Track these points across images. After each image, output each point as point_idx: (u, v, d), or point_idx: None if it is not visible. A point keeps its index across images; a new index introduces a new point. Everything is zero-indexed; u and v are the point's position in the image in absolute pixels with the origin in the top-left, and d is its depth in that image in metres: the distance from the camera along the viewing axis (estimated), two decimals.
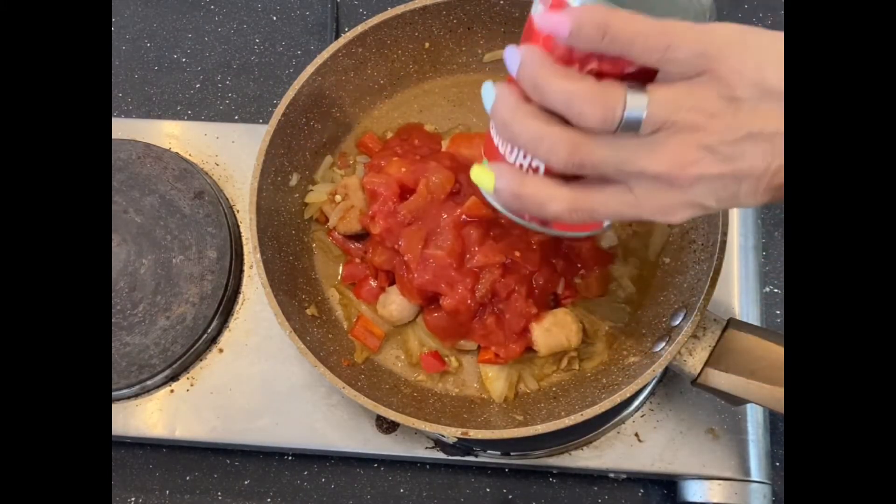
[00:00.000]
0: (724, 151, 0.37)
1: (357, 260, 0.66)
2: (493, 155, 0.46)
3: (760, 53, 0.37)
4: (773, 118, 0.37)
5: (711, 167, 0.38)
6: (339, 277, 0.67)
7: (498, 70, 0.71)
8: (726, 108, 0.37)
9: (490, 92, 0.42)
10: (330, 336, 0.63)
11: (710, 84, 0.37)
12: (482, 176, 0.44)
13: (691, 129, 0.37)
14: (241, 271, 0.71)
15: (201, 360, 0.68)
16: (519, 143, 0.41)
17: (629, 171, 0.39)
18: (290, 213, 0.66)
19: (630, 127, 0.37)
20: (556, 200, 0.41)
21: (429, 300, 0.62)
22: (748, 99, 0.37)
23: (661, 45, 0.36)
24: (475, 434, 0.55)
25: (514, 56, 0.40)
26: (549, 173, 0.42)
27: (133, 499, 0.69)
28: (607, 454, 0.64)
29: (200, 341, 0.67)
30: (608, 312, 0.64)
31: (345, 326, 0.65)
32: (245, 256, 0.71)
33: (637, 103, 0.37)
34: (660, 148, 0.38)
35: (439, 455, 0.65)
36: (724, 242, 0.57)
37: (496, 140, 0.45)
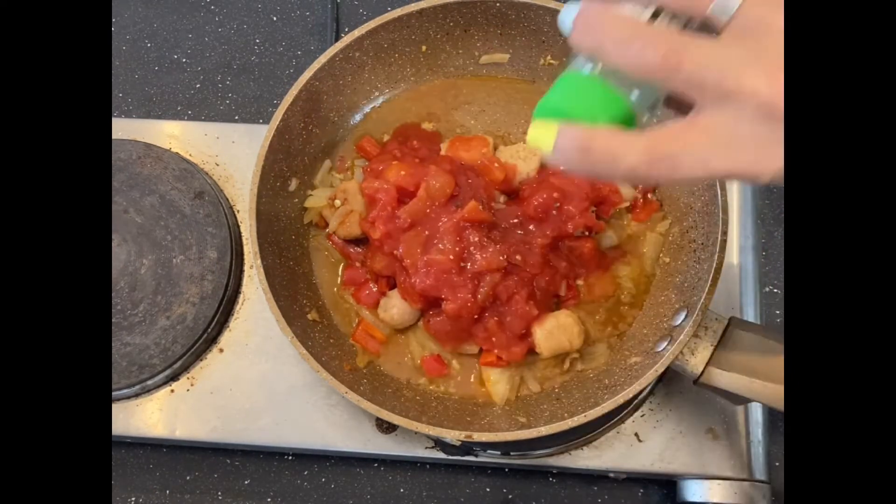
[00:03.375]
0: None
1: (357, 264, 0.66)
2: None
3: None
4: None
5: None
6: (339, 282, 0.67)
7: (495, 72, 0.71)
8: None
9: (572, 9, 0.37)
10: (331, 341, 0.63)
11: None
12: (542, 134, 0.38)
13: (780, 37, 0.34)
14: (242, 271, 0.71)
15: (201, 360, 0.68)
16: (606, 49, 0.36)
17: (730, 84, 0.34)
18: (289, 218, 0.66)
19: (721, 9, 0.34)
20: (633, 151, 0.35)
21: (430, 304, 0.62)
22: None
23: None
24: (479, 437, 0.55)
25: None
26: None
27: (133, 499, 0.69)
28: (607, 454, 0.64)
29: (200, 341, 0.67)
30: (610, 313, 0.64)
31: (346, 331, 0.65)
32: (245, 256, 0.71)
33: None
34: (758, 58, 0.34)
35: (439, 455, 0.65)
36: (724, 242, 0.57)
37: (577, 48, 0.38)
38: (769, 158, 0.35)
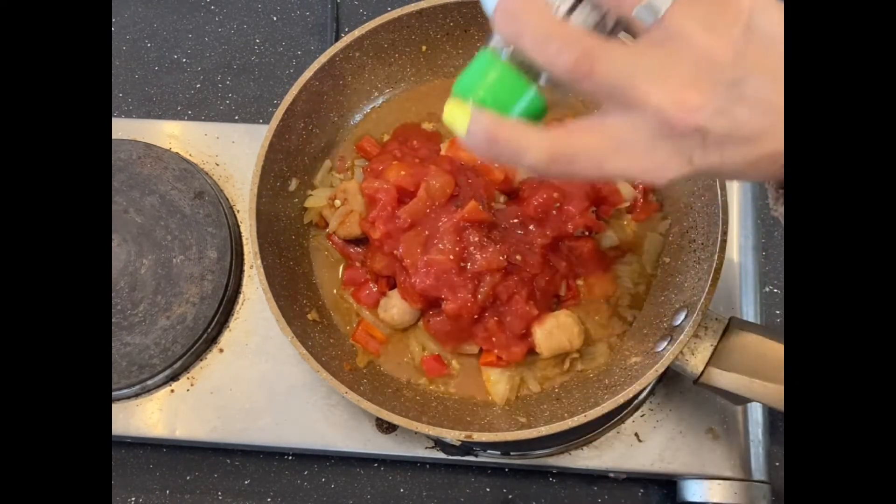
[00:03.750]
0: (730, 92, 0.35)
1: (357, 264, 0.66)
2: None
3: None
4: (771, 62, 0.36)
5: (714, 118, 0.35)
6: (339, 282, 0.67)
7: None
8: (741, 34, 0.35)
9: None
10: (331, 341, 0.63)
11: (727, 6, 0.35)
12: (457, 115, 0.39)
13: (704, 55, 0.35)
14: (242, 271, 0.71)
15: (201, 360, 0.68)
16: (523, 42, 0.36)
17: (635, 95, 0.35)
18: (289, 218, 0.66)
19: (648, 11, 0.35)
20: (535, 148, 0.37)
21: (430, 304, 0.62)
22: (756, 32, 0.35)
23: None
24: (479, 437, 0.55)
25: None
26: None
27: (133, 499, 0.69)
28: (607, 454, 0.64)
29: (200, 341, 0.67)
30: (610, 313, 0.64)
31: (346, 331, 0.65)
32: (245, 256, 0.71)
33: None
34: (668, 73, 0.35)
35: (439, 455, 0.65)
36: (724, 242, 0.57)
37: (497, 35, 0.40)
38: (664, 169, 0.36)
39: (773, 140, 0.37)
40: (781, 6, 0.36)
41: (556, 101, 0.41)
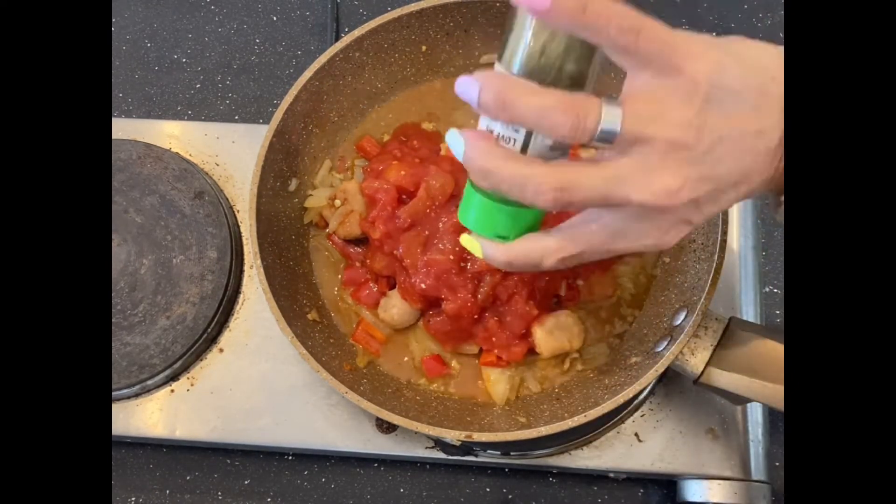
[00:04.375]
0: (704, 162, 0.37)
1: (357, 264, 0.66)
2: None
3: (719, 55, 0.37)
4: (737, 119, 0.37)
5: (697, 187, 0.38)
6: (339, 282, 0.67)
7: None
8: (697, 113, 0.37)
9: (457, 139, 0.40)
10: (331, 341, 0.63)
11: (679, 86, 0.37)
12: (470, 244, 0.45)
13: (669, 146, 0.37)
14: (242, 271, 0.71)
15: (201, 360, 0.68)
16: (502, 190, 0.39)
17: (617, 202, 0.38)
18: (289, 218, 0.66)
19: (605, 139, 0.37)
20: (549, 254, 0.42)
21: (430, 304, 0.62)
22: (714, 101, 0.37)
23: (634, 29, 0.36)
24: (479, 437, 0.55)
25: (468, 83, 0.38)
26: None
27: (133, 499, 0.69)
28: (607, 454, 0.64)
29: (200, 341, 0.67)
30: (610, 313, 0.64)
31: (346, 331, 0.65)
32: (245, 256, 0.71)
33: (612, 114, 0.37)
34: (641, 172, 0.37)
35: (439, 455, 0.65)
36: (724, 242, 0.57)
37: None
38: (667, 238, 0.41)
39: (758, 174, 0.39)
40: (742, 59, 0.37)
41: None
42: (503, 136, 0.40)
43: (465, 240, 0.46)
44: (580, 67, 0.39)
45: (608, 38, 0.36)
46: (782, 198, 0.41)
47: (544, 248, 0.42)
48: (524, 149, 0.40)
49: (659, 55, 0.36)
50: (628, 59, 0.37)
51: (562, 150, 0.41)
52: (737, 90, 0.37)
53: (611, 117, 0.36)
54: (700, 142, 0.37)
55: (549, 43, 0.39)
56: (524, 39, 0.39)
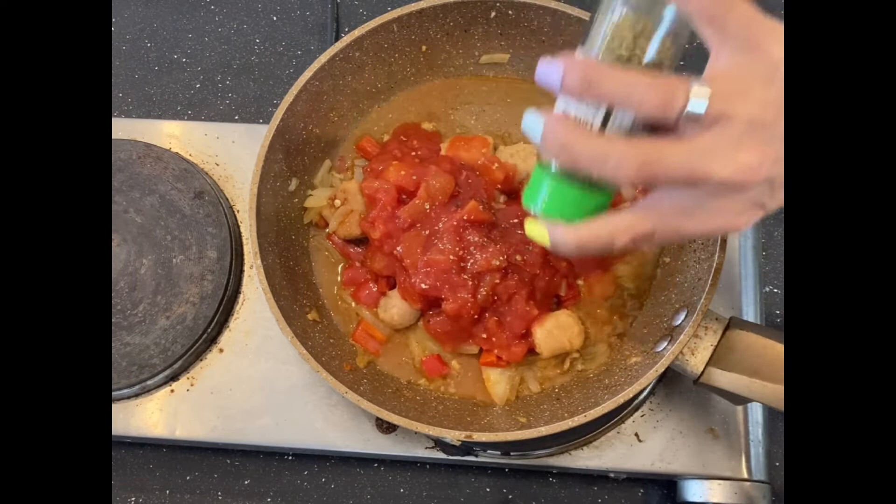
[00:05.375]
0: (782, 143, 0.38)
1: (357, 264, 0.66)
2: None
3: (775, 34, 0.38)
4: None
5: (774, 167, 0.38)
6: (339, 282, 0.67)
7: (495, 72, 0.71)
8: (778, 92, 0.37)
9: (535, 119, 0.41)
10: (331, 341, 0.63)
11: (760, 65, 0.37)
12: (536, 230, 0.45)
13: (750, 123, 0.37)
14: (242, 271, 0.71)
15: (201, 360, 0.68)
16: (581, 165, 0.40)
17: (699, 177, 0.38)
18: (289, 218, 0.66)
19: (691, 117, 0.38)
20: (620, 235, 0.42)
21: (430, 304, 0.62)
22: (776, 81, 0.37)
23: (727, 2, 0.37)
24: (479, 437, 0.55)
25: (550, 65, 0.39)
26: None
27: (133, 499, 0.69)
28: (607, 454, 0.64)
29: (200, 341, 0.67)
30: (610, 313, 0.64)
31: (346, 331, 0.65)
32: (245, 256, 0.71)
33: (700, 93, 0.37)
34: (723, 148, 0.38)
35: (439, 455, 0.65)
36: (724, 242, 0.57)
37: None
38: (739, 220, 0.40)
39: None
40: None
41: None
42: (582, 119, 0.41)
43: (530, 226, 0.46)
44: (661, 53, 0.41)
45: (700, 5, 0.37)
46: None
47: (615, 227, 0.42)
48: (602, 130, 0.41)
49: (744, 31, 0.37)
50: (714, 31, 0.38)
51: (638, 132, 0.42)
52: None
53: (699, 95, 0.37)
54: (779, 121, 0.37)
55: (633, 26, 0.40)
56: (608, 23, 0.41)
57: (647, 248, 0.43)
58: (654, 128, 0.40)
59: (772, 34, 0.37)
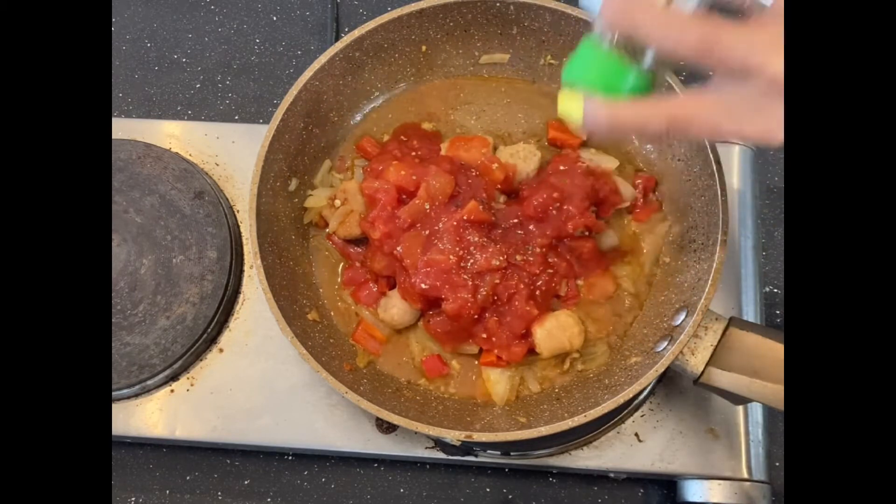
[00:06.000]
0: None
1: (357, 264, 0.66)
2: None
3: None
4: None
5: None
6: (339, 282, 0.67)
7: (495, 72, 0.71)
8: None
9: None
10: (331, 341, 0.63)
11: None
12: (572, 105, 0.45)
13: None
14: (241, 271, 0.71)
15: (201, 360, 0.68)
16: (642, 31, 0.40)
17: (753, 67, 0.38)
18: (289, 218, 0.66)
19: (759, 6, 0.38)
20: (655, 118, 0.41)
21: (430, 304, 0.62)
22: None
23: None
24: (478, 437, 0.55)
25: None
26: None
27: (133, 499, 0.69)
28: (607, 454, 0.64)
29: (200, 341, 0.67)
30: (610, 313, 0.64)
31: (346, 331, 0.65)
32: (245, 256, 0.71)
33: None
34: (780, 46, 0.38)
35: (439, 455, 0.65)
36: (724, 242, 0.57)
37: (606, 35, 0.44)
38: (779, 129, 0.39)
39: None
40: None
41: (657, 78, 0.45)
42: None
43: (564, 101, 0.45)
44: None
45: None
46: None
47: (654, 108, 0.42)
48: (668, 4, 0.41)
49: None
50: None
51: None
52: None
53: None
54: None
55: None
56: None
57: (677, 140, 0.43)
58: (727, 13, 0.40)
59: None
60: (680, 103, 0.42)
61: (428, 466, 0.69)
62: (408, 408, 0.59)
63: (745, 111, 0.40)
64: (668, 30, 0.39)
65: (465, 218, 0.60)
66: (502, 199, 0.64)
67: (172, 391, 0.67)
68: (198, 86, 0.83)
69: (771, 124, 0.39)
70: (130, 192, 0.72)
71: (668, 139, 0.43)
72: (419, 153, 0.66)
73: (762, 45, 0.38)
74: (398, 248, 0.61)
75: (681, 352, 0.54)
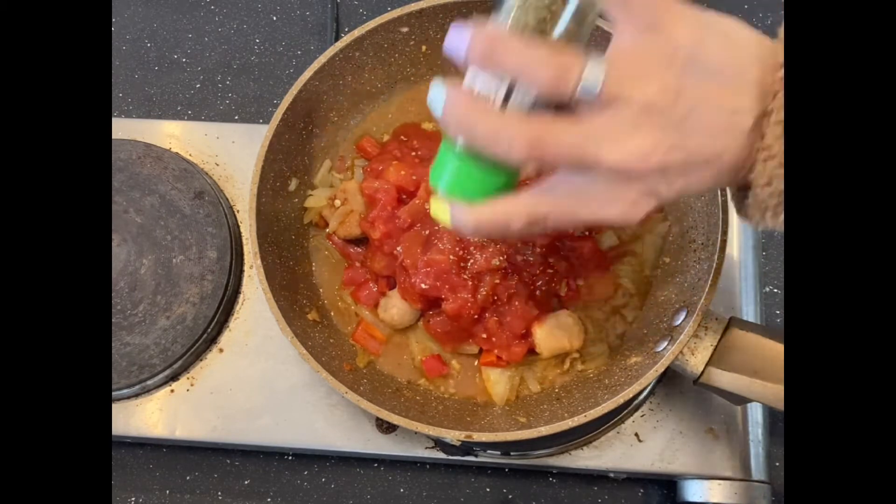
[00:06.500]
0: (677, 130, 0.37)
1: (357, 264, 0.66)
2: None
3: (705, 26, 0.37)
4: (714, 93, 0.37)
5: (668, 154, 0.37)
6: (339, 282, 0.67)
7: None
8: (676, 77, 0.36)
9: (439, 92, 0.40)
10: (331, 341, 0.63)
11: (660, 47, 0.37)
12: (440, 209, 0.44)
13: (645, 107, 0.36)
14: (241, 271, 0.71)
15: (201, 360, 0.68)
16: (477, 141, 0.39)
17: (589, 161, 0.37)
18: (289, 218, 0.66)
19: (586, 96, 0.37)
20: (516, 217, 0.41)
21: (430, 304, 0.62)
22: (693, 69, 0.37)
23: None
24: (478, 437, 0.55)
25: (460, 31, 0.39)
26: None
27: (133, 499, 0.69)
28: (607, 454, 0.64)
29: (200, 341, 0.67)
30: (610, 313, 0.64)
31: (346, 331, 0.65)
32: (245, 256, 0.71)
33: (595, 71, 0.36)
34: (615, 132, 0.37)
35: (439, 455, 0.65)
36: (724, 242, 0.57)
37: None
38: (635, 209, 0.40)
39: (729, 155, 0.39)
40: (726, 36, 0.38)
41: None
42: (484, 94, 0.41)
43: (434, 206, 0.45)
44: (570, 28, 0.40)
45: None
46: (747, 193, 0.41)
47: (512, 209, 0.41)
48: (503, 106, 0.40)
49: (650, 11, 0.37)
50: (619, 9, 0.37)
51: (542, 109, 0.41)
52: (716, 64, 0.37)
53: (593, 74, 0.36)
54: (675, 107, 0.37)
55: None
56: None
57: (542, 232, 0.42)
58: (562, 108, 0.39)
59: (680, 18, 0.37)
60: (535, 201, 0.41)
61: (428, 466, 0.69)
62: (408, 408, 0.59)
63: (598, 197, 0.39)
64: (500, 137, 0.38)
65: None
66: None
67: (172, 391, 0.67)
68: (198, 86, 0.83)
69: (625, 207, 0.39)
70: (130, 192, 0.72)
71: (531, 235, 0.43)
72: (419, 153, 0.66)
73: (595, 138, 0.37)
74: (398, 248, 0.61)
75: (681, 352, 0.54)
